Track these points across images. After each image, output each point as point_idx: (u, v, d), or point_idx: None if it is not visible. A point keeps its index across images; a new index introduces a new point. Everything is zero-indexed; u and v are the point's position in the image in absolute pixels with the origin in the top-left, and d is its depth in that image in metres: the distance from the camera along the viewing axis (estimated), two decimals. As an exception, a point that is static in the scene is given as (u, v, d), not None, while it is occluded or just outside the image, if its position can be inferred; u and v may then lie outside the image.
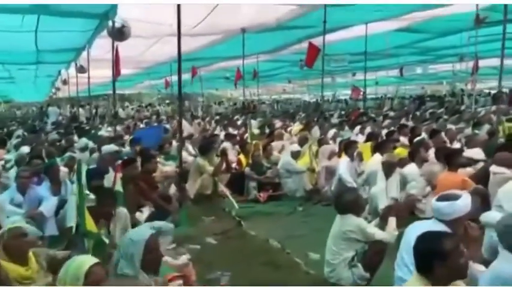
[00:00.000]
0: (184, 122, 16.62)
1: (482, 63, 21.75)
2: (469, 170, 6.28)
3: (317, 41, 15.06)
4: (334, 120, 13.09)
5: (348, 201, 3.96)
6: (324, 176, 6.83)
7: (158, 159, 6.91)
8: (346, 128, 11.39)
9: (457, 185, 5.20)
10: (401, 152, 6.85)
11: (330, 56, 16.28)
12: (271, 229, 5.55)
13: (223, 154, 7.04)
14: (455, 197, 3.19)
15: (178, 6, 6.09)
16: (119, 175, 4.53)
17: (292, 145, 7.52)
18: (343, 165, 6.35)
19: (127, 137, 10.50)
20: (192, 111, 22.26)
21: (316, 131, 10.28)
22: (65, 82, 19.90)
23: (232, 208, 6.38)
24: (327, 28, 13.82)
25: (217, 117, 17.11)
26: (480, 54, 18.60)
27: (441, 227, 3.10)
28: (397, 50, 18.66)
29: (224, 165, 6.90)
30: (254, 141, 8.29)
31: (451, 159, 5.38)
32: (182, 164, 6.18)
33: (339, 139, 8.68)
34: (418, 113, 13.54)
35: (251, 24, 13.11)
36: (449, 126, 9.75)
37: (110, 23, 9.19)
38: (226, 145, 8.85)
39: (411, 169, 5.67)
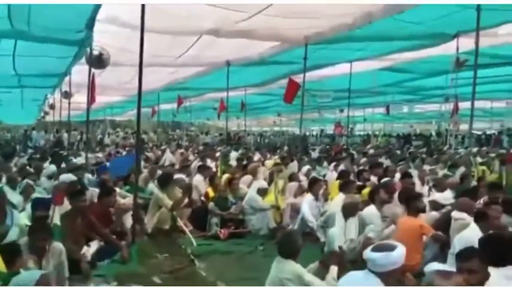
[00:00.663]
0: (167, 152, 16.63)
1: (468, 104, 22.07)
2: (434, 214, 6.15)
3: (299, 77, 15.28)
4: (315, 155, 12.98)
5: (293, 245, 3.78)
6: (289, 214, 6.64)
7: (119, 190, 6.71)
8: (325, 164, 11.28)
9: (415, 230, 5.06)
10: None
11: (313, 91, 16.49)
12: (225, 269, 5.32)
13: (187, 188, 6.84)
14: (391, 248, 3.03)
15: (143, 6, 5.93)
16: (59, 206, 4.34)
17: (259, 181, 7.36)
18: (306, 204, 6.20)
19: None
20: (178, 141, 22.12)
21: (293, 166, 10.14)
22: (52, 107, 19.86)
23: (190, 244, 6.14)
24: (312, 65, 14.04)
25: (201, 147, 16.97)
26: (466, 95, 18.89)
27: (372, 280, 2.94)
28: (385, 88, 18.87)
29: (187, 200, 6.69)
30: (227, 175, 8.13)
31: (410, 203, 5.25)
32: (137, 196, 5.95)
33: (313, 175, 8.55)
34: (398, 152, 13.46)
35: (236, 57, 13.25)
36: (426, 167, 9.67)
37: (88, 50, 9.20)
38: (198, 177, 8.68)
39: (370, 210, 5.51)
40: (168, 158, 15.33)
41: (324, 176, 9.45)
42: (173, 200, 6.47)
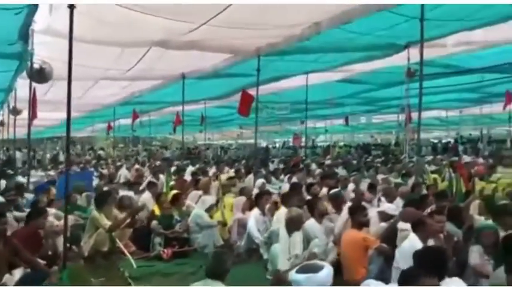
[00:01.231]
0: (122, 168, 16.08)
1: (426, 114, 22.60)
2: (383, 225, 6.04)
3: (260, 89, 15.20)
4: (273, 167, 12.82)
5: (221, 265, 3.54)
6: (237, 230, 6.39)
7: (55, 211, 6.28)
8: (282, 177, 11.13)
9: (358, 243, 4.92)
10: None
11: (271, 104, 16.44)
12: (162, 293, 5.00)
13: (127, 207, 6.47)
14: (315, 270, 2.82)
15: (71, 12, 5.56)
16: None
17: (206, 196, 7.08)
18: (252, 219, 5.97)
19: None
20: (137, 156, 21.55)
21: (249, 180, 9.93)
22: (1, 123, 18.98)
23: (130, 267, 5.77)
24: (268, 78, 13.98)
25: (158, 163, 16.53)
26: (423, 105, 19.29)
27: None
28: (343, 99, 19.05)
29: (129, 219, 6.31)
30: (173, 192, 7.80)
31: (353, 216, 5.11)
32: (67, 216, 5.52)
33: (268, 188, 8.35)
34: (355, 162, 13.49)
35: (191, 70, 13.04)
36: (380, 176, 9.65)
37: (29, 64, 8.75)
38: (146, 195, 8.32)
39: (311, 224, 5.34)
40: (123, 174, 14.90)
41: (280, 188, 9.30)
42: (112, 220, 6.08)
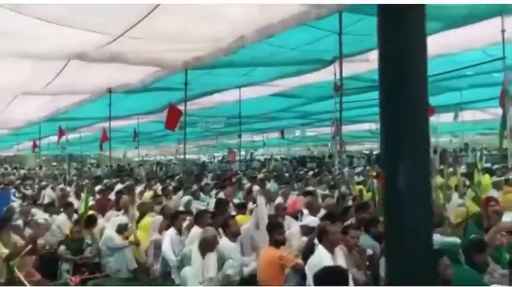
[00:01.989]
0: (47, 188, 15.11)
1: (359, 127, 23.32)
2: (305, 239, 5.94)
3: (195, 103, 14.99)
4: (205, 182, 12.53)
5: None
6: (153, 252, 6.02)
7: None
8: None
9: (274, 262, 4.75)
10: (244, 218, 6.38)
11: (205, 118, 16.24)
12: (64, 326, 4.54)
13: (30, 239, 5.83)
14: None
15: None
16: None
17: (118, 217, 6.65)
18: (167, 239, 5.64)
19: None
20: (65, 175, 20.41)
21: (178, 197, 9.54)
22: None
23: (30, 299, 5.24)
24: (200, 92, 13.77)
25: (86, 181, 15.66)
26: (352, 118, 19.89)
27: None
28: (278, 113, 19.23)
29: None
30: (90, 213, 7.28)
31: (270, 233, 4.95)
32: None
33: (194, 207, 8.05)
34: (287, 175, 13.52)
35: (117, 84, 12.58)
36: (309, 188, 9.65)
37: None
38: (62, 216, 7.74)
39: (224, 244, 5.11)
40: (48, 194, 14.03)
41: (208, 204, 9.01)
42: (10, 247, 5.49)
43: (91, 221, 6.63)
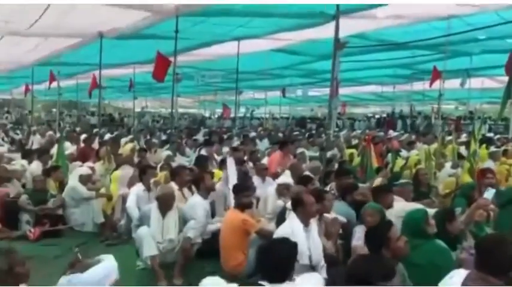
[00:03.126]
0: (36, 134, 14.85)
1: (363, 89, 22.59)
2: (280, 203, 5.57)
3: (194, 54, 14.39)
4: (197, 137, 12.15)
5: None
6: (121, 207, 5.69)
7: None
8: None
9: (237, 226, 4.39)
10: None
11: (202, 71, 15.63)
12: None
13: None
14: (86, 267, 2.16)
15: None
16: None
17: (82, 168, 6.29)
18: (133, 195, 5.28)
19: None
20: (60, 122, 20.06)
21: (160, 152, 9.19)
22: None
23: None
24: (200, 42, 13.12)
25: (78, 129, 15.35)
26: (358, 79, 19.17)
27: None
28: (281, 71, 18.53)
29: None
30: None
31: (236, 195, 4.57)
32: None
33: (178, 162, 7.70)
34: (280, 135, 13.10)
35: (108, 28, 11.91)
36: (300, 149, 9.24)
37: None
38: (35, 164, 7.41)
39: (192, 202, 4.74)
40: (36, 140, 13.79)
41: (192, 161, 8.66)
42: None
43: (55, 171, 6.28)
